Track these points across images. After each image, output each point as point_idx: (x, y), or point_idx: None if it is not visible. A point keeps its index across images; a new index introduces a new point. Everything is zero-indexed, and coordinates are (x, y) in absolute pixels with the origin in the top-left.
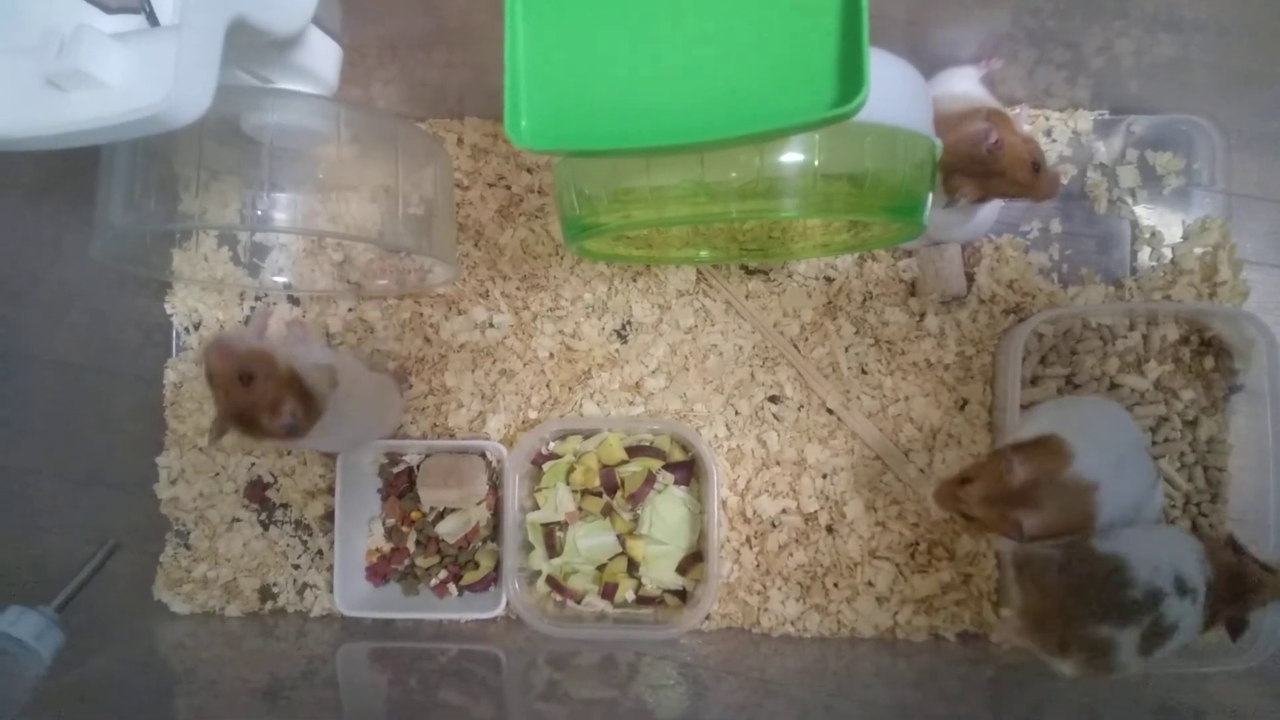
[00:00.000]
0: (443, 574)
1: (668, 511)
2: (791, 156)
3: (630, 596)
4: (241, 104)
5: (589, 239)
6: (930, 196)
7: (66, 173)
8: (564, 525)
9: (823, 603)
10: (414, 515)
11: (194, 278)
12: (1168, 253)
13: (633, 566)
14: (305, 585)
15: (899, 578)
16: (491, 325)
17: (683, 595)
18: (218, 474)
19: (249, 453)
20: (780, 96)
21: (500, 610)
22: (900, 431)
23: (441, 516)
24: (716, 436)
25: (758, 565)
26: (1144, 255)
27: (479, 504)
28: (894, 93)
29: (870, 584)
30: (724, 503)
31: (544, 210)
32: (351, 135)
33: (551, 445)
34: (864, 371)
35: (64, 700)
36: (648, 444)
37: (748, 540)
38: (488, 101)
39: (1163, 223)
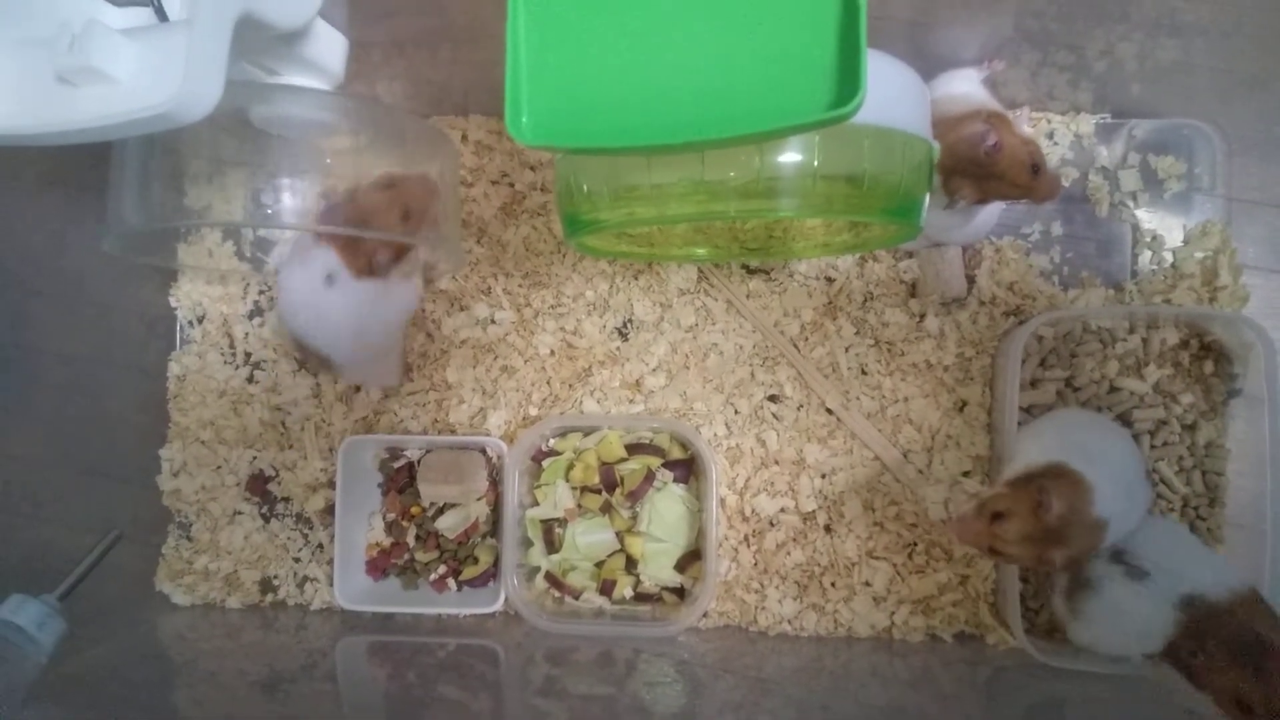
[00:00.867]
0: (442, 569)
1: (666, 509)
2: (792, 157)
3: (628, 593)
4: (250, 97)
5: (589, 235)
6: (928, 198)
7: (73, 165)
8: (563, 522)
9: (820, 602)
10: (414, 510)
11: (199, 269)
12: (1168, 257)
13: (631, 564)
14: (305, 578)
15: (896, 578)
16: (493, 322)
17: (680, 593)
18: (219, 467)
19: (250, 446)
20: (779, 97)
21: (499, 606)
22: (899, 432)
23: (441, 512)
24: (716, 435)
25: (755, 564)
26: (1144, 259)
27: (479, 500)
28: (892, 95)
29: (867, 584)
30: (723, 501)
31: (547, 208)
32: (358, 128)
33: (551, 442)
34: (864, 372)
35: (65, 689)
36: (647, 442)
37: (746, 539)
38: (492, 99)
39: (1163, 227)
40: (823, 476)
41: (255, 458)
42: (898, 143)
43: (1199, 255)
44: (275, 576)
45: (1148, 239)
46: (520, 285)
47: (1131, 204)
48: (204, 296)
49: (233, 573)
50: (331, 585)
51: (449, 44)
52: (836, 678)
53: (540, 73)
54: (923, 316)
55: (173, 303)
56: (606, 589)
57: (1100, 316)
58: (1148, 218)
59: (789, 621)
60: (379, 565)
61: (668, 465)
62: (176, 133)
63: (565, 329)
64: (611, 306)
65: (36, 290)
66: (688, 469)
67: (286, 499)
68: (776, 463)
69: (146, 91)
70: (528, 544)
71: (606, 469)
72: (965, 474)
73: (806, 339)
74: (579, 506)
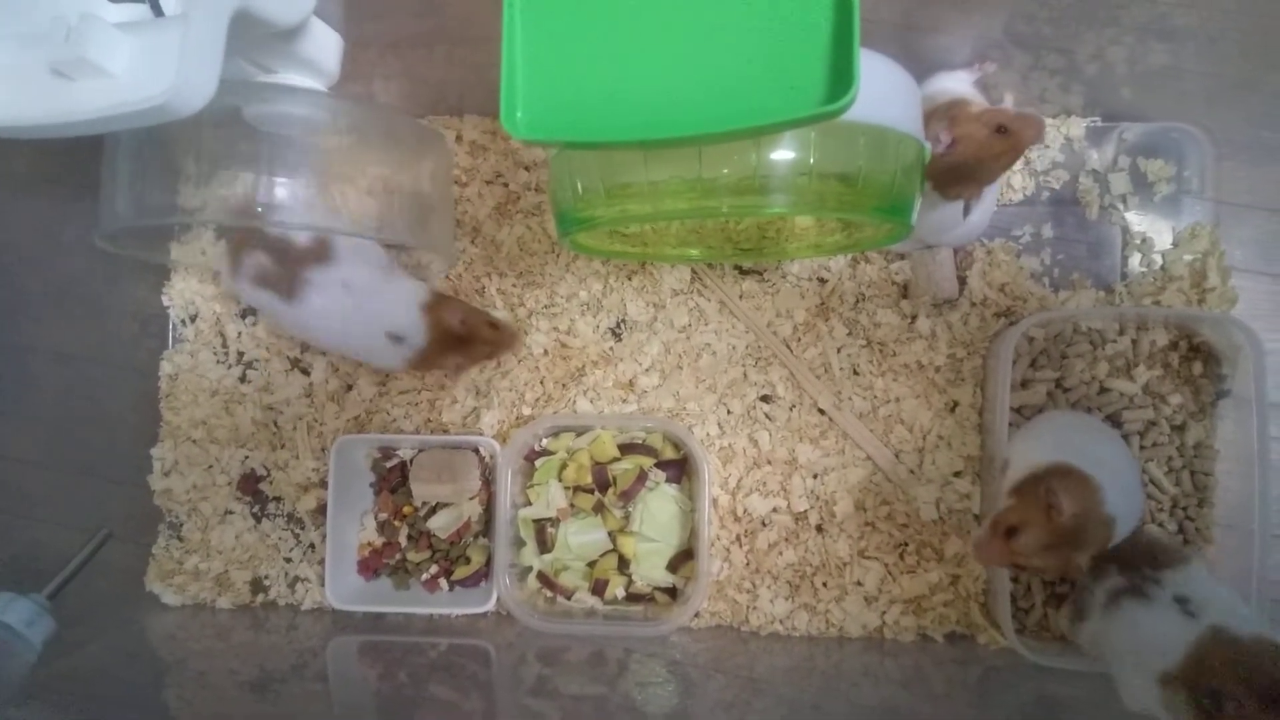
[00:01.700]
0: (434, 569)
1: (659, 509)
2: (789, 154)
3: (620, 593)
4: (243, 95)
5: (583, 232)
6: (919, 198)
7: (65, 162)
8: (556, 521)
9: (811, 602)
10: (406, 510)
11: (191, 265)
12: (1158, 259)
13: (623, 563)
14: (297, 578)
15: (887, 578)
16: None
17: (673, 593)
18: (211, 466)
19: (242, 445)
20: (772, 93)
21: (491, 605)
22: (891, 433)
23: (434, 511)
24: (708, 435)
25: (747, 564)
26: (1134, 261)
27: (471, 499)
28: (886, 94)
29: (859, 584)
30: (715, 501)
31: (541, 208)
32: (351, 127)
33: (544, 441)
34: (855, 372)
35: (54, 688)
36: (640, 441)
37: (738, 539)
38: (487, 99)
39: (1153, 229)
40: (815, 476)
41: (247, 457)
42: (891, 142)
43: (1188, 257)
44: (266, 576)
45: (1137, 241)
46: (514, 285)
47: (1121, 206)
48: (197, 295)
49: (223, 573)
50: (323, 585)
51: (444, 44)
52: (828, 677)
53: (535, 68)
54: (914, 317)
55: (165, 301)
56: (599, 589)
57: (1090, 318)
58: (1137, 220)
59: (781, 621)
60: (371, 565)
61: (660, 465)
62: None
63: (559, 329)
64: (605, 306)
65: (28, 288)
66: (680, 469)
67: (278, 498)
68: (769, 463)
69: (141, 84)
70: (520, 544)
71: (599, 469)
72: (956, 474)
73: (799, 339)
74: (571, 506)
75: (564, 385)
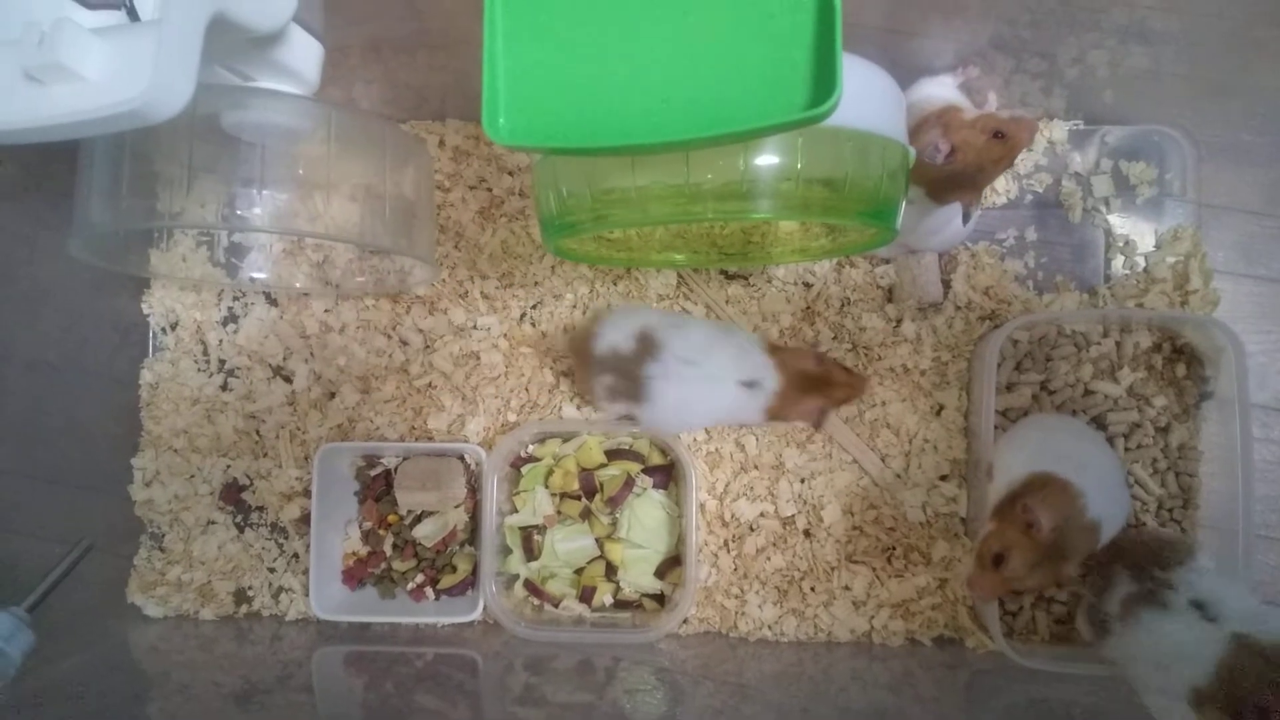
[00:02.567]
0: (420, 577)
1: (646, 515)
2: (774, 159)
3: (608, 600)
4: (221, 102)
5: (567, 238)
6: (903, 203)
7: (44, 170)
8: (542, 529)
9: (800, 607)
10: (391, 518)
11: (172, 276)
12: (1140, 261)
13: (611, 570)
14: (281, 589)
15: (875, 582)
16: (475, 327)
17: (661, 599)
18: (193, 476)
19: (224, 454)
20: (755, 98)
21: (477, 614)
22: (877, 436)
23: (419, 520)
24: (695, 440)
25: (735, 569)
26: (1117, 263)
27: (457, 507)
28: (870, 99)
29: (847, 588)
30: (702, 506)
31: (525, 212)
32: (331, 134)
33: (530, 448)
34: None
35: (34, 701)
36: (627, 447)
37: (726, 544)
38: (469, 104)
39: (1136, 232)
40: (802, 481)
41: (229, 466)
42: (875, 147)
43: (1170, 260)
44: (250, 587)
45: (1120, 244)
46: (498, 289)
47: (1104, 209)
48: (177, 303)
49: (206, 583)
50: (307, 595)
51: (426, 49)
52: (817, 682)
53: (517, 73)
54: (899, 321)
55: (145, 310)
56: (586, 596)
57: (1074, 320)
58: (1120, 223)
59: (769, 627)
60: (355, 574)
61: (647, 471)
62: (148, 137)
63: (544, 334)
64: (590, 311)
65: (5, 297)
66: (667, 474)
67: (261, 508)
68: (756, 467)
69: (116, 89)
70: (506, 551)
71: (586, 475)
72: (943, 478)
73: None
74: (558, 513)
75: (550, 391)
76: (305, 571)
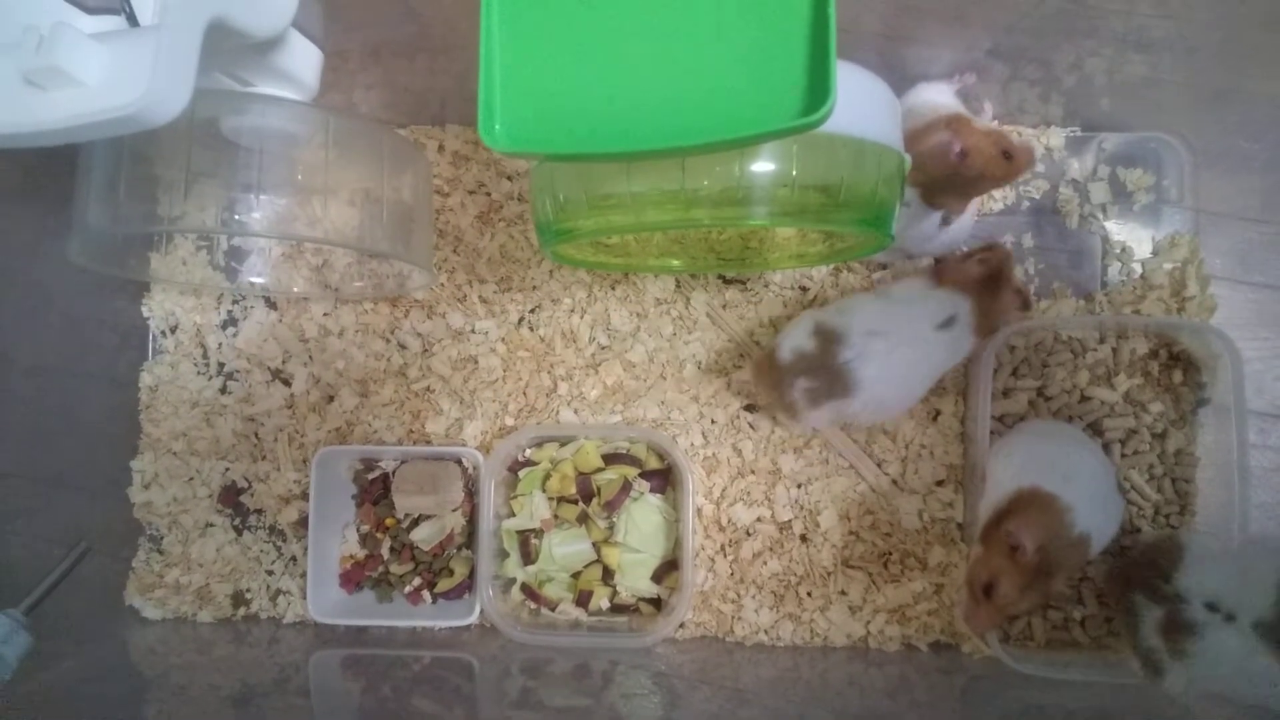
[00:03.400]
0: (417, 581)
1: (643, 519)
2: (770, 166)
3: (605, 605)
4: (220, 107)
5: (565, 243)
6: (899, 209)
7: (45, 174)
8: (539, 533)
9: (796, 611)
10: (388, 522)
11: (172, 280)
12: (1137, 268)
13: (608, 574)
14: (278, 591)
15: (871, 587)
16: (473, 331)
17: (657, 603)
18: (192, 479)
19: (223, 457)
20: (750, 105)
21: (474, 618)
22: (874, 442)
23: (416, 523)
24: (692, 445)
25: (732, 574)
26: (1114, 270)
27: (454, 511)
28: (866, 106)
29: (843, 593)
30: (699, 511)
31: (523, 217)
32: (329, 139)
33: (528, 452)
34: None
35: (31, 704)
36: (624, 451)
37: (722, 549)
38: (469, 109)
39: (1133, 238)
40: (798, 486)
41: (228, 469)
42: (871, 153)
43: (1167, 266)
44: (248, 590)
45: (1117, 250)
46: (496, 293)
47: (1101, 216)
48: (177, 306)
49: (204, 586)
50: (305, 598)
51: (425, 54)
52: (813, 687)
53: (513, 79)
54: None
55: (145, 313)
56: (583, 600)
57: (1071, 326)
58: (1117, 229)
59: (765, 631)
60: (353, 578)
61: (644, 475)
62: (147, 141)
63: (542, 338)
64: (588, 316)
65: (6, 300)
66: (664, 479)
67: (259, 511)
68: (753, 472)
69: (114, 94)
70: (504, 555)
71: (583, 479)
72: (939, 483)
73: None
74: (555, 517)
75: (547, 395)
76: (303, 574)
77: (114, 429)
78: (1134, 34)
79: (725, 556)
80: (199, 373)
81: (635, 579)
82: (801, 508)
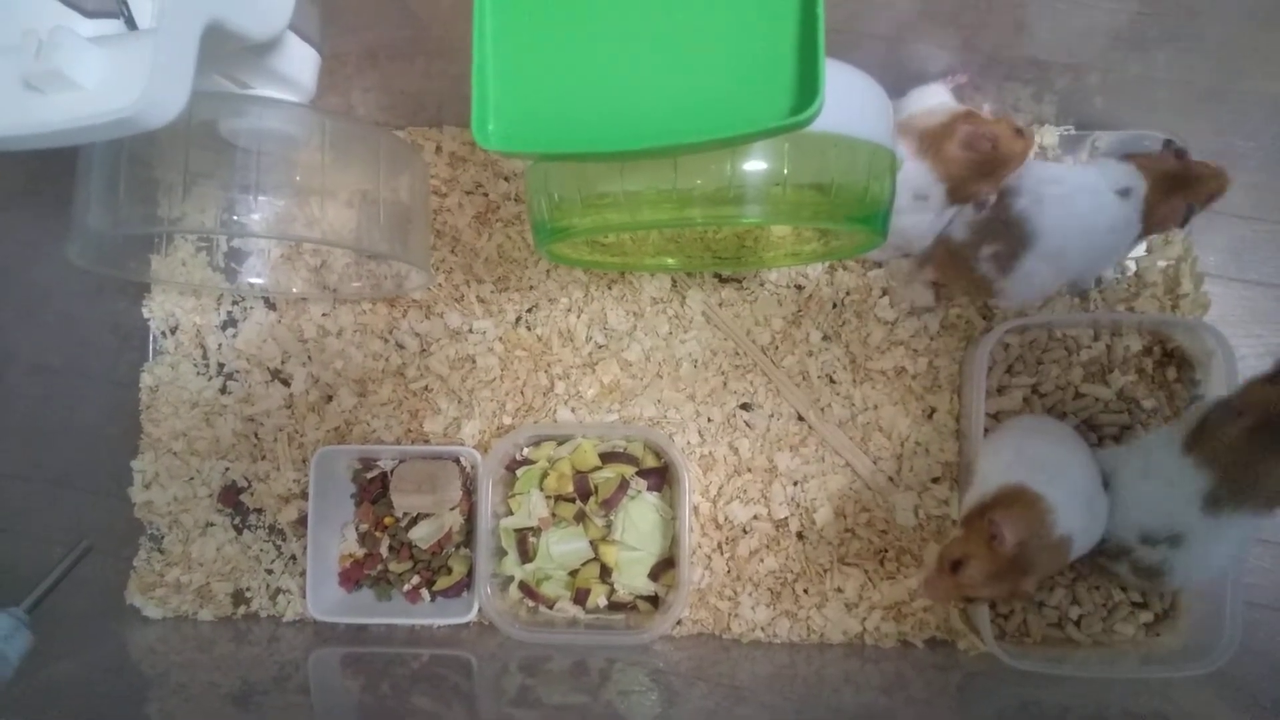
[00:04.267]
0: (415, 579)
1: (640, 517)
2: (762, 164)
3: (602, 602)
4: (219, 109)
5: (559, 242)
6: (892, 206)
7: (46, 176)
8: (537, 531)
9: (793, 609)
10: (387, 521)
11: (172, 281)
12: (1131, 265)
13: (605, 572)
14: (278, 590)
15: (868, 584)
16: (471, 330)
17: (655, 601)
18: (192, 478)
19: (223, 457)
20: (739, 104)
21: (473, 616)
22: (869, 439)
23: (415, 522)
24: (689, 443)
25: (729, 571)
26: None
27: (452, 509)
28: (857, 105)
29: (839, 590)
30: (696, 509)
31: (520, 217)
32: (326, 141)
33: (525, 451)
34: (833, 380)
35: (32, 702)
36: (621, 450)
37: (719, 546)
38: (465, 111)
39: None
40: (795, 484)
41: (228, 469)
42: (862, 151)
43: (1161, 264)
44: (248, 588)
45: None
46: (494, 293)
47: None
48: (177, 307)
49: (205, 585)
50: (304, 597)
51: (423, 56)
52: (810, 684)
53: (507, 80)
54: (892, 325)
55: (145, 313)
56: (581, 598)
57: (1065, 324)
58: None
59: (762, 628)
60: (352, 576)
61: (641, 473)
62: (146, 143)
63: (539, 337)
64: (585, 315)
65: (6, 300)
66: (661, 477)
67: (259, 510)
68: (749, 470)
69: (111, 96)
70: (502, 554)
71: (580, 477)
72: (935, 481)
73: (777, 347)
74: (553, 515)
75: (545, 394)
76: (302, 573)
77: (115, 429)
78: (1128, 32)
79: (722, 554)
80: (199, 373)
81: (632, 577)
82: (798, 505)
